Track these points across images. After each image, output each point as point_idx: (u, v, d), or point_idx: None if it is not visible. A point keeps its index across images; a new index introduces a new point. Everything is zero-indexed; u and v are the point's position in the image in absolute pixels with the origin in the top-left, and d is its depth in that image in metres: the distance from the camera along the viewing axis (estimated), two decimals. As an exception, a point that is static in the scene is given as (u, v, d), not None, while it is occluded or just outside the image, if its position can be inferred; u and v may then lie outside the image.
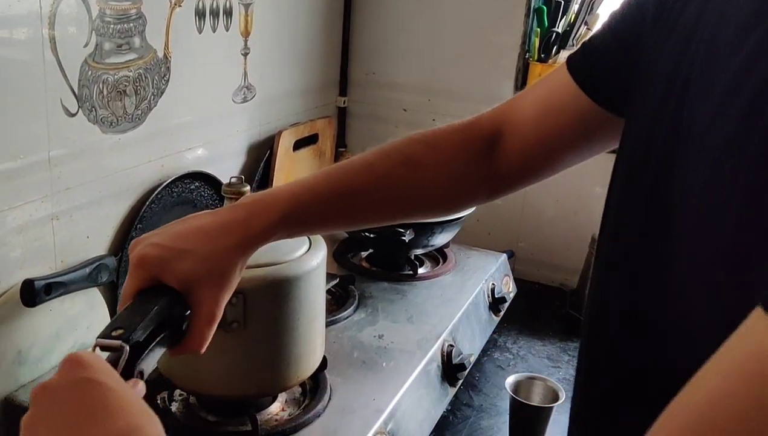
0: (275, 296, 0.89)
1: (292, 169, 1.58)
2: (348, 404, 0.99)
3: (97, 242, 1.13)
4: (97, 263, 1.06)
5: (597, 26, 1.67)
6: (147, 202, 1.19)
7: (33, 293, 0.94)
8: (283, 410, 1.00)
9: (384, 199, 0.74)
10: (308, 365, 0.96)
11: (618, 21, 0.65)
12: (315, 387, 1.02)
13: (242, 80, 1.42)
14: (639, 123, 0.58)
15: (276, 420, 0.97)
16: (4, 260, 0.97)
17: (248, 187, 0.92)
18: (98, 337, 0.61)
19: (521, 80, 1.73)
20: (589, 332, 0.65)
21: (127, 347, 0.60)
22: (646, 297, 0.56)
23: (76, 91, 1.02)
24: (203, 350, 0.67)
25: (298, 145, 1.59)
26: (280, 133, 1.51)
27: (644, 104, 0.58)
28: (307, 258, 0.92)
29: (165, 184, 1.22)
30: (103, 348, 0.61)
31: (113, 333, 0.62)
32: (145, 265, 0.64)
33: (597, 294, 0.64)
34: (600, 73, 0.67)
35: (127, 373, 0.61)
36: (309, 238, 0.97)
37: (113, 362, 0.61)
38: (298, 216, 0.68)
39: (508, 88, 1.74)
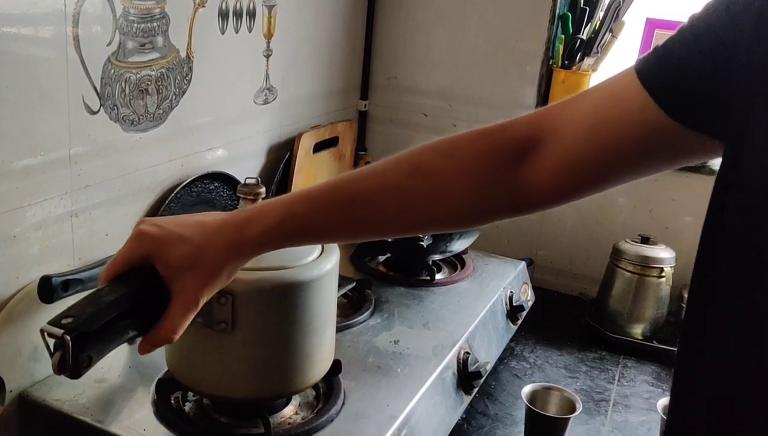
0: (277, 300, 0.87)
1: (312, 172, 1.58)
2: (361, 410, 0.98)
3: (116, 240, 1.13)
4: (115, 261, 1.06)
5: (622, 33, 1.65)
6: (166, 202, 1.19)
7: (50, 290, 0.94)
8: (296, 413, 0.99)
9: (388, 210, 0.70)
10: (315, 372, 0.94)
11: (702, 29, 0.58)
12: (329, 391, 1.02)
13: (264, 82, 1.42)
14: (761, 151, 0.51)
15: (289, 423, 0.96)
16: (22, 255, 0.97)
17: (263, 189, 0.91)
18: (48, 322, 0.64)
19: (544, 87, 1.72)
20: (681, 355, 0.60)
21: (69, 338, 0.64)
22: (742, 328, 0.52)
23: (98, 89, 1.02)
24: (174, 340, 0.69)
25: (318, 147, 1.59)
26: (300, 135, 1.51)
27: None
28: (318, 264, 0.91)
29: (184, 183, 1.22)
30: (49, 335, 0.63)
31: (63, 321, 0.66)
32: (143, 240, 0.67)
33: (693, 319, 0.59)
34: (678, 83, 0.59)
35: (73, 360, 0.64)
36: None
37: (58, 347, 0.64)
38: (294, 224, 0.69)
39: (531, 95, 1.73)
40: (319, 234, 0.73)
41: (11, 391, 0.95)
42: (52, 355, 0.68)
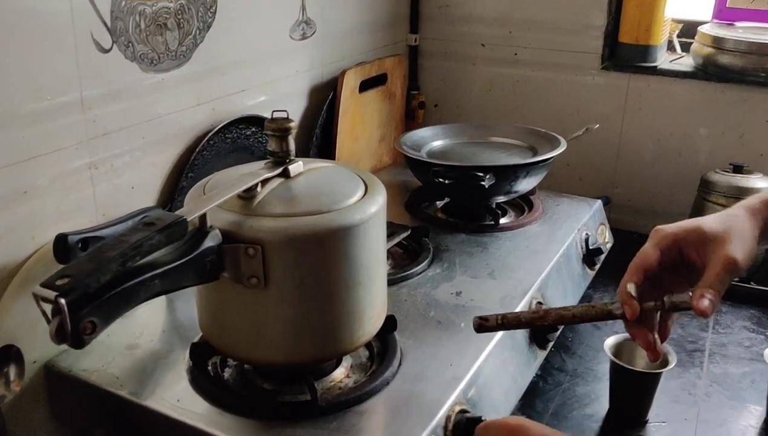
0: (313, 249, 0.75)
1: (359, 113, 1.44)
2: (421, 371, 0.86)
3: (144, 193, 1.03)
4: (143, 216, 0.96)
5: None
6: (197, 150, 1.08)
7: (66, 249, 0.83)
8: (347, 376, 0.88)
9: None
10: (364, 331, 0.82)
11: None
12: (383, 351, 0.90)
13: (300, 14, 1.29)
14: None
15: (340, 388, 0.85)
16: (37, 213, 0.88)
17: (294, 123, 0.79)
18: (41, 284, 0.56)
19: (615, 5, 1.53)
20: None
21: (64, 302, 0.56)
22: None
23: (108, 23, 0.91)
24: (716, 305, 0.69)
25: (365, 86, 1.45)
26: (343, 72, 1.37)
27: None
28: (360, 207, 0.78)
29: (217, 129, 1.11)
30: (43, 299, 0.54)
31: (57, 282, 0.58)
32: (667, 234, 0.73)
33: None
34: None
35: (73, 328, 0.57)
36: (365, 182, 0.83)
37: (55, 314, 0.55)
38: None
39: (600, 16, 1.54)
40: None
41: (35, 362, 0.87)
42: (49, 322, 0.59)
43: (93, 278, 0.59)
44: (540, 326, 0.78)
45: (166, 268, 0.67)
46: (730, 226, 0.71)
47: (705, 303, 0.67)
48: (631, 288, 0.72)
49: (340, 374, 0.88)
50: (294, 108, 1.33)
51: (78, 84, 0.89)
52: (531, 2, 1.59)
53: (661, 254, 0.73)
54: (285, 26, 1.26)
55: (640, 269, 0.73)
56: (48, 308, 0.58)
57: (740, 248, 0.69)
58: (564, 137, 1.35)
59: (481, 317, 0.75)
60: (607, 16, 1.54)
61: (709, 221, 0.72)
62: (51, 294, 0.56)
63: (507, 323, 0.75)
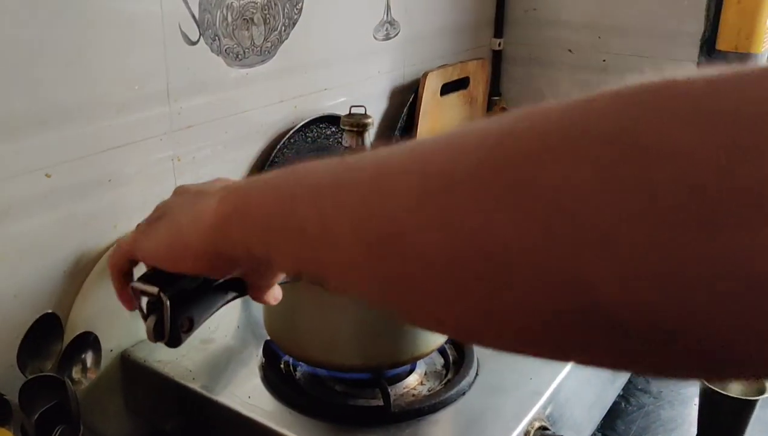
0: None
1: (439, 116, 1.42)
2: (499, 383, 0.83)
3: (224, 189, 1.03)
4: (223, 211, 0.96)
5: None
6: (278, 147, 1.08)
7: (147, 239, 0.84)
8: (421, 383, 0.85)
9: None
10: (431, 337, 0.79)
11: None
12: (459, 360, 0.87)
13: (385, 14, 1.27)
14: None
15: (413, 395, 0.82)
16: (120, 202, 0.88)
17: (371, 119, 0.77)
18: (138, 279, 0.53)
19: (713, 10, 1.46)
20: None
21: (166, 297, 0.51)
22: None
23: (196, 16, 0.91)
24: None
25: (446, 89, 1.42)
26: (425, 74, 1.35)
27: None
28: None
29: (298, 127, 1.10)
30: (141, 293, 0.52)
31: (158, 276, 0.53)
32: None
33: None
34: None
35: (172, 324, 0.53)
36: None
37: (152, 309, 0.52)
38: None
39: (695, 23, 1.47)
40: None
41: (111, 350, 0.88)
42: (146, 318, 0.56)
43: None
44: None
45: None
46: None
47: None
48: None
49: (413, 380, 0.85)
50: (374, 109, 1.31)
51: (165, 75, 0.89)
52: (622, 7, 1.53)
53: None
54: (369, 26, 1.24)
55: None
56: (144, 301, 0.55)
57: None
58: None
59: None
60: (705, 23, 1.47)
61: None
62: (153, 289, 0.52)
63: None
